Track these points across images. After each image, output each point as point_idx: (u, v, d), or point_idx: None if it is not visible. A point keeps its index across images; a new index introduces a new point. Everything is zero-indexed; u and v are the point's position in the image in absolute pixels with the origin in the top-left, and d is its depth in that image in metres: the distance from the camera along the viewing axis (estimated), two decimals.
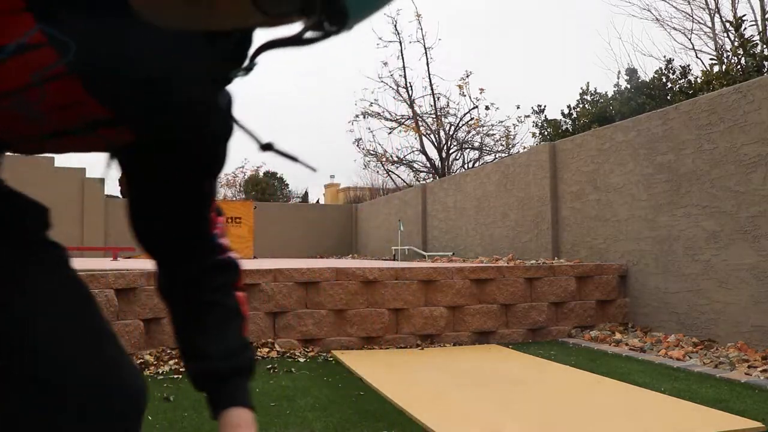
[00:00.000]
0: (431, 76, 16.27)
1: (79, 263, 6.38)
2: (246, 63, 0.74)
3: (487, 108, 15.91)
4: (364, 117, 16.71)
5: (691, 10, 14.50)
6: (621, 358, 4.53)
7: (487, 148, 16.71)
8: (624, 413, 2.98)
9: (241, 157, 28.03)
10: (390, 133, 16.86)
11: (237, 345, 1.02)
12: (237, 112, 0.88)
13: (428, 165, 16.62)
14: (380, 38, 16.78)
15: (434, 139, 16.43)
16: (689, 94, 9.19)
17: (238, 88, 0.85)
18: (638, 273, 5.67)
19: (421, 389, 3.46)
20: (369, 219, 15.08)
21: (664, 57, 13.70)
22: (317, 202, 32.02)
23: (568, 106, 13.68)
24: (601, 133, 6.37)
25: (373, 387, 3.49)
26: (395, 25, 16.20)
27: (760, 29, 11.20)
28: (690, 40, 15.19)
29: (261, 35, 0.68)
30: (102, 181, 13.98)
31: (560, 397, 3.30)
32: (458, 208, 9.76)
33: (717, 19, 13.42)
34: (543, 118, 14.21)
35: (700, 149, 5.04)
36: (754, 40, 8.18)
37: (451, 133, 16.33)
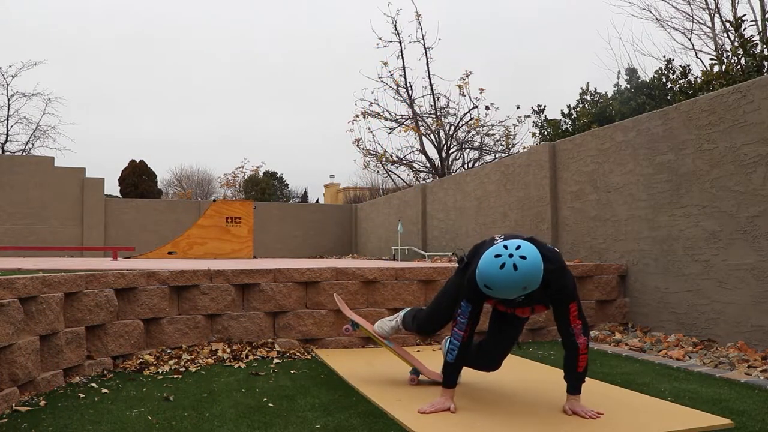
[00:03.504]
0: (431, 76, 16.27)
1: (79, 263, 6.38)
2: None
3: (487, 108, 15.89)
4: (364, 117, 16.68)
5: (691, 10, 14.49)
6: (621, 358, 4.53)
7: (487, 148, 16.70)
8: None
9: (240, 157, 28.09)
10: (390, 133, 16.84)
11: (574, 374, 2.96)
12: None
13: (428, 165, 16.61)
14: (380, 38, 16.67)
15: (434, 139, 16.42)
16: (689, 94, 9.19)
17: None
18: (638, 273, 5.67)
19: (393, 386, 3.49)
20: (369, 219, 15.09)
21: (664, 57, 13.70)
22: (317, 202, 32.02)
23: (568, 106, 13.68)
24: (601, 133, 6.37)
25: (351, 385, 3.50)
26: (395, 25, 16.19)
27: (760, 29, 11.20)
28: (690, 40, 15.18)
29: None
30: (102, 181, 13.98)
31: (534, 394, 3.31)
32: (458, 208, 9.76)
33: (717, 19, 13.42)
34: (543, 118, 14.21)
35: (700, 149, 5.04)
36: (754, 40, 8.18)
37: (451, 133, 16.32)
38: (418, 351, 4.75)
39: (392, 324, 3.70)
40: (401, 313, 3.75)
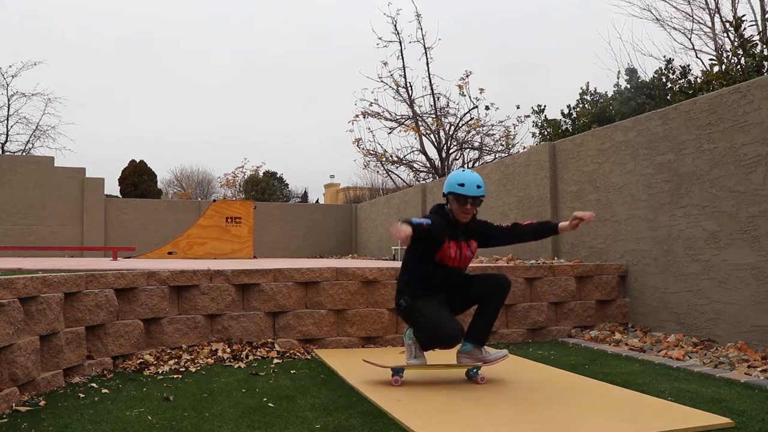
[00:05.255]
0: (431, 76, 16.27)
1: (79, 263, 6.37)
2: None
3: (487, 108, 15.89)
4: (364, 117, 16.67)
5: (691, 10, 14.46)
6: (621, 358, 4.53)
7: (487, 148, 16.69)
8: (598, 410, 3.01)
9: (240, 157, 28.08)
10: (390, 133, 16.84)
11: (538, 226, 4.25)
12: None
13: (428, 165, 16.60)
14: (380, 38, 16.70)
15: (434, 139, 16.42)
16: (689, 94, 9.19)
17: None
18: (638, 273, 5.67)
19: (393, 386, 3.52)
20: (369, 219, 15.09)
21: (664, 57, 13.70)
22: (317, 202, 32.02)
23: (568, 106, 13.68)
24: (601, 133, 6.37)
25: (351, 385, 3.50)
26: (395, 25, 16.18)
27: (760, 29, 11.19)
28: (690, 40, 15.16)
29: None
30: (102, 181, 13.98)
31: (534, 394, 3.31)
32: None
33: (717, 19, 13.41)
34: (543, 118, 14.20)
35: (700, 149, 5.04)
36: (754, 40, 8.18)
37: (451, 133, 16.31)
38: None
39: (412, 350, 3.71)
40: (407, 339, 3.75)
